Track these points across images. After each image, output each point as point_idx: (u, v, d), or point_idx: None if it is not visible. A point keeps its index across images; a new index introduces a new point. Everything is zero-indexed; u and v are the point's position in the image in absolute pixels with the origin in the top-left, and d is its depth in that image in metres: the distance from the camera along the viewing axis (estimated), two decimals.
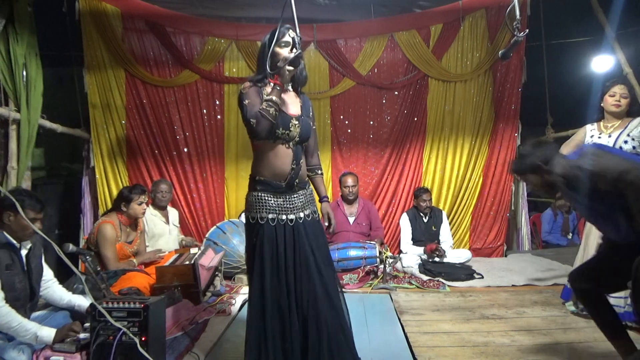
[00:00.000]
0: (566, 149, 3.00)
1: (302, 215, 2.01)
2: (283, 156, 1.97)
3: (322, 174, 2.25)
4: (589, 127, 3.01)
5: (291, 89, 2.09)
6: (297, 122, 1.99)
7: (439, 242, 4.50)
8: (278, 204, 1.98)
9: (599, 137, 2.88)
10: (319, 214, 2.14)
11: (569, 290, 3.04)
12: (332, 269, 2.08)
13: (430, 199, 4.58)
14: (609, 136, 2.85)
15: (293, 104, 2.05)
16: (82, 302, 2.46)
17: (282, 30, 1.95)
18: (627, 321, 2.59)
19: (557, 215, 5.33)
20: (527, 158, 2.04)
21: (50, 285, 2.47)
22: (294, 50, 1.93)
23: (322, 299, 1.93)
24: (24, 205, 2.14)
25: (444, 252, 4.30)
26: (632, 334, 2.53)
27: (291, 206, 2.00)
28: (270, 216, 1.96)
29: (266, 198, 1.98)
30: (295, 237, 1.97)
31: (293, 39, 1.95)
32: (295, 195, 2.02)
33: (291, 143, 1.98)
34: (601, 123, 2.97)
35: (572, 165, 1.82)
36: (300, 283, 1.94)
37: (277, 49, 1.94)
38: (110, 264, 3.12)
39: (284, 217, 1.97)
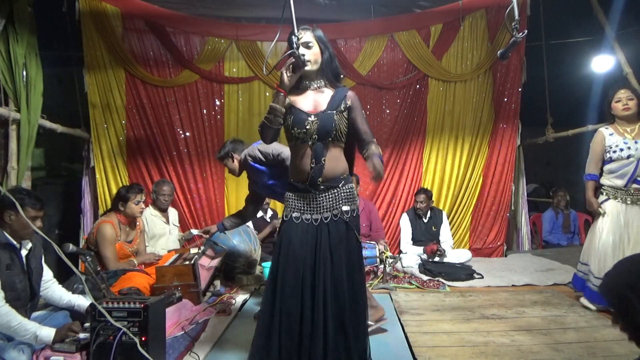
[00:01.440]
0: (592, 163, 3.04)
1: (328, 215, 1.96)
2: (302, 156, 1.97)
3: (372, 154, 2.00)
4: (604, 130, 3.00)
5: (316, 85, 2.02)
6: (314, 119, 1.93)
7: (439, 242, 4.50)
8: (303, 204, 1.99)
9: (625, 142, 2.89)
10: (357, 212, 2.02)
11: (582, 281, 3.03)
12: (358, 272, 1.97)
13: (423, 201, 4.51)
14: (636, 142, 2.86)
15: (314, 101, 1.99)
16: (82, 302, 2.46)
17: (291, 38, 1.94)
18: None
19: (557, 215, 5.33)
20: (224, 148, 3.10)
21: (50, 286, 2.47)
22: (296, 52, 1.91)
23: (337, 304, 1.88)
24: (24, 204, 2.16)
25: (444, 251, 4.31)
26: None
27: (316, 206, 1.97)
28: (294, 214, 1.99)
29: (293, 198, 2.01)
30: (317, 238, 1.94)
31: (289, 40, 1.95)
32: (322, 196, 1.97)
33: (311, 142, 1.95)
34: (617, 126, 2.97)
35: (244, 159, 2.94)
36: (318, 284, 1.90)
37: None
38: (110, 264, 3.13)
39: (308, 216, 1.97)
